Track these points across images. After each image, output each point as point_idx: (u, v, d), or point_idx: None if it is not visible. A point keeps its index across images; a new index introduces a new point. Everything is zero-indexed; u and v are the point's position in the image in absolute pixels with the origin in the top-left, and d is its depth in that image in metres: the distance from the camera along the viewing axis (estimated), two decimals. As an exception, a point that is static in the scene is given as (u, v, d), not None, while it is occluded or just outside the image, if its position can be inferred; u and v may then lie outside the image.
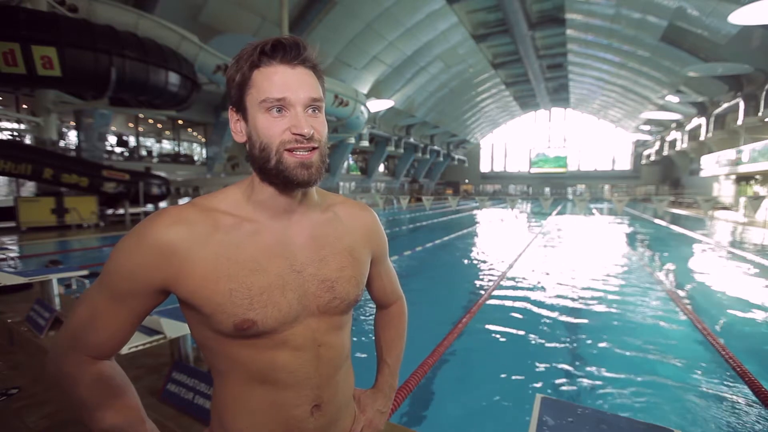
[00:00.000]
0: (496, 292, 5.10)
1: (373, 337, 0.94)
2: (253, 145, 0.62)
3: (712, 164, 21.50)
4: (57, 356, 0.63)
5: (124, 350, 1.55)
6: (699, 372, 3.06)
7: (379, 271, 0.85)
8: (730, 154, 19.06)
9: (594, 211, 22.17)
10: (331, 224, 0.72)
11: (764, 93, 16.45)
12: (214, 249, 0.61)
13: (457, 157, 44.00)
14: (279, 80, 0.59)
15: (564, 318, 4.25)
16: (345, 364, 0.75)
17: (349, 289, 0.70)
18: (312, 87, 0.62)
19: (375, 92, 23.93)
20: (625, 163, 42.18)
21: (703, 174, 23.03)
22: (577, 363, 3.22)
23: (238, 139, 0.65)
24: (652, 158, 35.06)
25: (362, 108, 18.64)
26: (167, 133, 21.70)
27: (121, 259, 0.60)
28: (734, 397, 2.65)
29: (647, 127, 33.54)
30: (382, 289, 0.88)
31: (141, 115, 18.36)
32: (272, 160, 0.60)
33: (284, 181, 0.61)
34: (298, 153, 0.60)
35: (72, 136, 16.77)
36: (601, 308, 4.61)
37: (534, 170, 44.97)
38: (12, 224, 10.60)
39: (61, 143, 14.82)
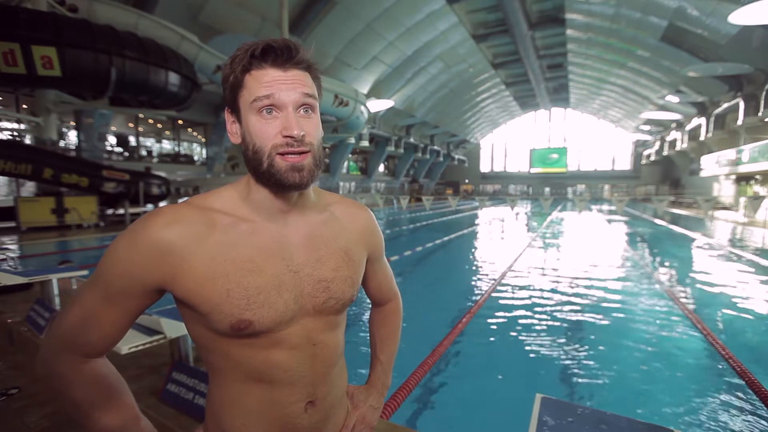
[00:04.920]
0: (495, 292, 5.10)
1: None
2: (246, 147, 0.63)
3: (712, 164, 21.49)
4: (48, 357, 0.62)
5: (124, 350, 1.55)
6: (699, 372, 3.07)
7: (375, 270, 0.86)
8: (730, 154, 19.05)
9: (594, 210, 22.17)
10: (328, 224, 0.73)
11: (764, 93, 16.45)
12: (212, 248, 0.61)
13: (457, 157, 44.00)
14: (269, 81, 0.60)
15: (564, 318, 4.25)
16: (339, 361, 0.75)
17: (345, 289, 0.70)
18: (303, 87, 0.61)
19: (375, 92, 23.93)
20: (625, 163, 42.17)
21: (703, 174, 23.02)
22: (577, 363, 3.22)
23: (233, 141, 0.65)
24: (652, 158, 35.05)
25: (362, 108, 18.64)
26: (167, 133, 21.69)
27: (117, 258, 0.59)
28: (734, 397, 2.65)
29: (647, 127, 33.54)
30: (377, 287, 0.89)
31: (141, 115, 18.36)
32: (264, 164, 0.61)
33: (276, 184, 0.62)
34: (289, 156, 0.60)
35: (72, 136, 16.76)
36: (601, 308, 4.61)
37: (534, 170, 44.98)
38: (12, 224, 10.60)
39: (61, 143, 14.81)
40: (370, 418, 0.86)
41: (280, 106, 0.60)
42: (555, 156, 43.90)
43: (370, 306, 0.95)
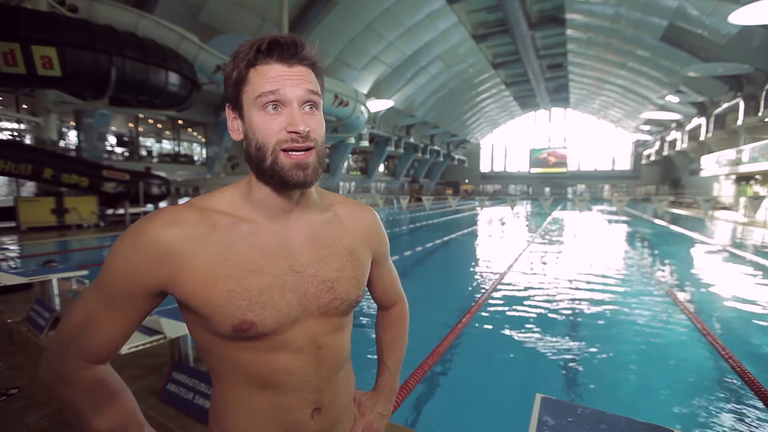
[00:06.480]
0: (495, 292, 5.10)
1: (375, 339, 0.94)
2: (249, 144, 0.61)
3: (712, 164, 21.50)
4: (51, 361, 0.62)
5: (124, 350, 1.55)
6: (699, 372, 3.07)
7: (381, 272, 0.84)
8: (730, 154, 19.06)
9: (594, 210, 22.18)
10: (331, 224, 0.71)
11: (764, 93, 16.45)
12: (212, 249, 0.60)
13: (457, 157, 44.00)
14: (275, 77, 0.59)
15: (564, 318, 4.25)
16: (345, 366, 0.74)
17: (350, 290, 0.69)
18: (308, 83, 0.61)
19: (375, 92, 23.92)
20: (625, 163, 42.18)
21: (703, 174, 23.02)
22: (577, 363, 3.22)
23: (234, 137, 0.64)
24: (652, 158, 35.06)
25: (362, 108, 18.65)
26: (167, 133, 21.69)
27: (117, 260, 0.59)
28: (734, 397, 2.65)
29: (647, 127, 33.54)
30: (383, 290, 0.87)
31: (141, 115, 18.36)
32: (268, 160, 0.59)
33: (280, 181, 0.60)
34: (293, 154, 0.59)
35: (72, 136, 16.77)
36: (601, 308, 4.61)
37: (534, 170, 44.98)
38: (12, 224, 10.59)
39: (61, 143, 14.81)
40: (377, 426, 0.84)
41: (285, 102, 0.59)
42: (560, 157, 43.91)
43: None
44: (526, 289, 5.37)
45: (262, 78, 0.59)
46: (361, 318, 4.09)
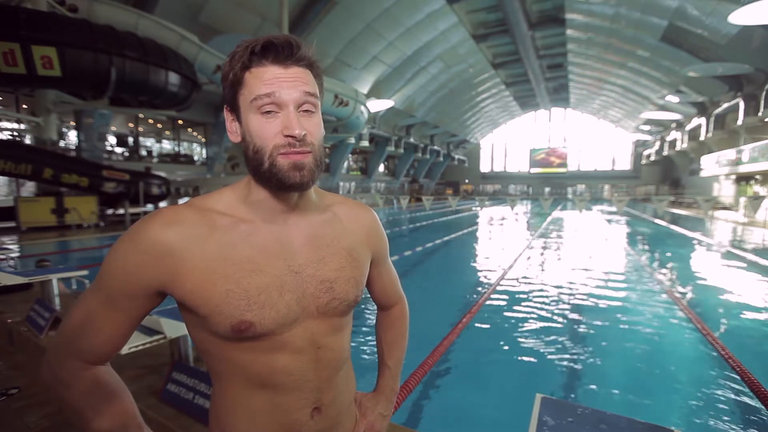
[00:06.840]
0: (495, 292, 5.10)
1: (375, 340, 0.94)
2: (247, 147, 0.61)
3: (712, 164, 21.50)
4: (51, 362, 0.62)
5: (124, 350, 1.55)
6: (699, 372, 3.07)
7: (380, 272, 0.84)
8: (730, 154, 19.06)
9: (594, 210, 22.18)
10: (330, 225, 0.71)
11: (764, 93, 16.45)
12: (211, 249, 0.60)
13: (457, 157, 44.00)
14: (270, 79, 0.58)
15: (564, 318, 4.25)
16: (345, 366, 0.74)
17: (348, 290, 0.69)
18: (305, 85, 0.60)
19: (375, 92, 23.92)
20: (625, 163, 42.19)
21: (703, 174, 23.03)
22: (577, 363, 3.22)
23: (233, 139, 0.64)
24: (652, 158, 35.06)
25: (362, 108, 18.65)
26: (167, 133, 21.69)
27: (117, 260, 0.59)
28: (734, 397, 2.65)
29: (647, 127, 33.54)
30: (382, 290, 0.87)
31: (141, 115, 18.36)
32: (265, 163, 0.59)
33: (277, 183, 0.60)
34: (290, 156, 0.59)
35: (72, 136, 16.77)
36: (601, 308, 4.61)
37: (534, 170, 44.99)
38: (12, 224, 10.59)
39: (61, 143, 14.81)
40: (378, 427, 0.84)
41: (281, 105, 0.59)
42: (560, 156, 43.93)
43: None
44: (526, 288, 5.37)
45: (257, 80, 0.58)
46: (361, 318, 4.09)
